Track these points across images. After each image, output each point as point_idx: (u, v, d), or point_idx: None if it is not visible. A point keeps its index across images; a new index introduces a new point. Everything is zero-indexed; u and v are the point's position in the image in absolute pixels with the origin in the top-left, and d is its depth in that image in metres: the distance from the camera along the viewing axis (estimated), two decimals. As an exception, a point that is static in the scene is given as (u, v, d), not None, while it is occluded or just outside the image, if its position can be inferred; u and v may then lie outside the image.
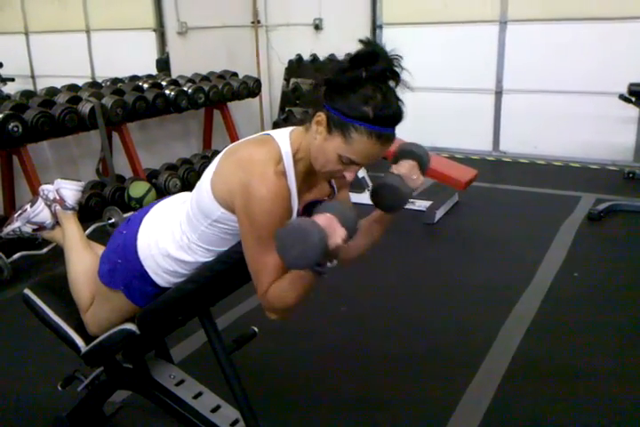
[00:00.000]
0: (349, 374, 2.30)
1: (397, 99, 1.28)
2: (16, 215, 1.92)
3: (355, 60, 1.25)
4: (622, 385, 2.18)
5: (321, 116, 1.29)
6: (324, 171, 1.35)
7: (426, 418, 2.04)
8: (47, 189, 1.90)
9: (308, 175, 1.42)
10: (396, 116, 1.27)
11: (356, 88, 1.24)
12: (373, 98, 1.24)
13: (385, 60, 1.25)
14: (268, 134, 1.39)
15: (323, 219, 1.19)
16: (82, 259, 1.74)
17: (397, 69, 1.27)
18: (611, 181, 4.68)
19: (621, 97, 4.12)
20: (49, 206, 1.88)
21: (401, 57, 1.27)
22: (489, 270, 3.21)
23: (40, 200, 1.89)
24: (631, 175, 4.66)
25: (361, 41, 1.26)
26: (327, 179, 1.46)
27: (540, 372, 2.28)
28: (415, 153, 1.48)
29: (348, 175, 1.34)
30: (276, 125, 5.74)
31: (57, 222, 1.89)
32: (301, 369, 2.34)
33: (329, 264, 1.23)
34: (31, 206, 1.89)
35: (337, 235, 1.18)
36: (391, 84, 1.28)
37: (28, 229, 1.90)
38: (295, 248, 1.16)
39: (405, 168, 1.44)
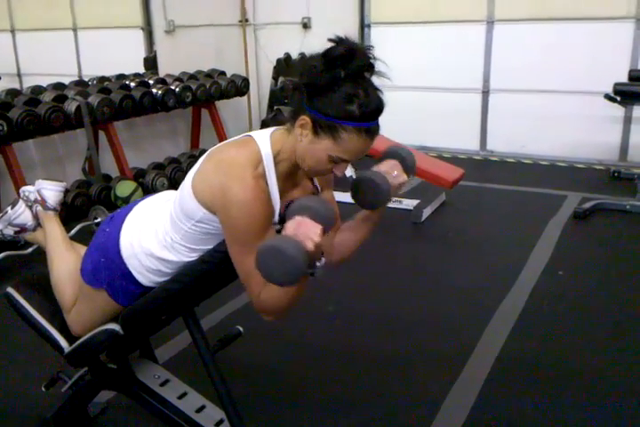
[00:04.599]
0: (335, 372, 2.31)
1: (376, 89, 1.29)
2: None
3: (330, 61, 1.24)
4: (606, 384, 2.20)
5: (305, 119, 1.28)
6: (314, 171, 1.36)
7: (411, 416, 2.05)
8: (28, 190, 1.89)
9: (291, 175, 1.42)
10: (380, 107, 1.28)
11: (336, 88, 1.24)
12: (356, 95, 1.24)
13: (361, 56, 1.25)
14: (250, 135, 1.39)
15: (290, 226, 1.19)
16: (64, 259, 1.73)
17: (372, 62, 1.27)
18: (596, 180, 4.71)
19: (607, 97, 4.14)
20: (30, 208, 1.87)
21: (373, 47, 1.28)
22: (475, 269, 3.23)
23: (21, 202, 1.88)
24: (616, 174, 4.69)
25: (331, 40, 1.26)
26: (315, 176, 1.46)
27: (525, 370, 2.29)
28: (398, 154, 1.49)
29: (339, 172, 1.35)
30: (264, 124, 5.73)
31: (38, 224, 1.88)
32: (287, 368, 2.34)
33: (317, 264, 1.22)
34: (12, 208, 1.87)
35: (312, 234, 1.18)
36: (367, 74, 1.28)
37: (9, 231, 1.89)
38: (277, 269, 1.16)
39: (385, 166, 1.45)
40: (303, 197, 1.33)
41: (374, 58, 1.27)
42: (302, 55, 1.30)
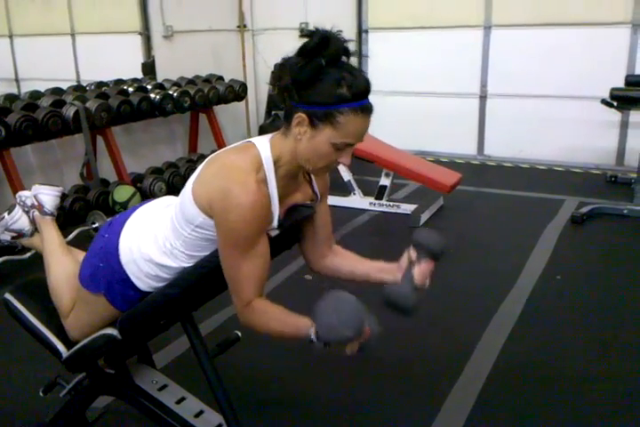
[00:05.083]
0: (334, 378, 2.30)
1: (358, 69, 1.31)
2: None
3: (307, 53, 1.27)
4: (604, 388, 2.20)
5: (300, 116, 1.30)
6: (321, 166, 1.36)
7: (410, 421, 2.05)
8: (24, 195, 1.89)
9: (290, 180, 1.43)
10: (368, 85, 1.31)
11: (322, 76, 1.27)
12: (343, 78, 1.27)
13: (336, 41, 1.28)
14: (250, 141, 1.40)
15: (368, 327, 1.28)
16: (62, 264, 1.73)
17: (346, 45, 1.30)
18: (593, 185, 4.72)
19: (603, 102, 4.16)
20: (27, 213, 1.87)
21: (341, 31, 1.30)
22: (473, 273, 3.23)
23: (17, 207, 1.88)
24: (613, 179, 4.71)
25: (304, 35, 1.29)
26: (322, 174, 1.46)
27: (523, 374, 2.29)
28: (435, 253, 1.53)
29: (346, 160, 1.36)
30: (262, 129, 5.74)
31: (36, 229, 1.88)
32: (285, 373, 2.33)
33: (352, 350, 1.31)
34: (9, 214, 1.87)
35: (354, 345, 1.30)
36: (344, 58, 1.31)
37: (6, 236, 1.89)
38: (332, 323, 1.25)
39: (424, 274, 1.51)
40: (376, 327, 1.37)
41: (347, 41, 1.30)
42: (282, 59, 1.34)
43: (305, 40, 1.28)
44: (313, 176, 1.52)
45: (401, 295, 1.46)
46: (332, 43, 1.27)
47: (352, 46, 1.31)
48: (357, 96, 1.28)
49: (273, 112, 5.62)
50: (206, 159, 1.41)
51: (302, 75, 1.27)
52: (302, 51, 1.28)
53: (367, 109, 1.31)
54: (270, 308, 1.37)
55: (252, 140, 1.41)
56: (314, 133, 1.30)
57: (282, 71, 1.30)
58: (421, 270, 1.50)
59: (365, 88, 1.30)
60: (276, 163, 1.36)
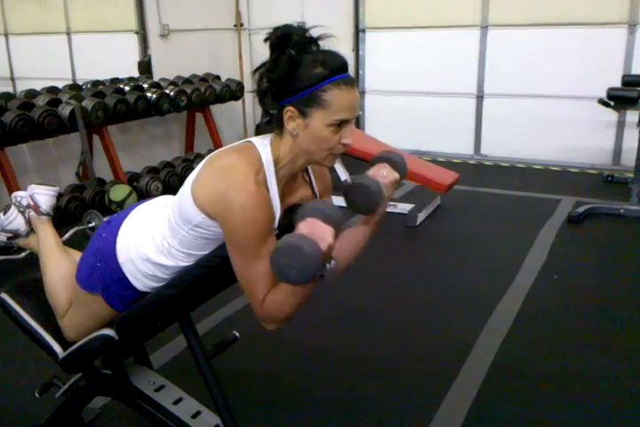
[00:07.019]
0: (331, 378, 2.30)
1: (331, 50, 1.32)
2: None
3: (277, 48, 1.29)
4: (601, 387, 2.21)
5: (289, 110, 1.30)
6: (326, 154, 1.35)
7: (408, 421, 2.04)
8: (20, 195, 1.88)
9: (290, 180, 1.42)
10: (344, 60, 1.32)
11: (296, 65, 1.28)
12: (316, 59, 1.28)
13: (296, 30, 1.29)
14: (250, 141, 1.39)
15: (305, 227, 1.20)
16: (58, 264, 1.72)
17: (309, 35, 1.31)
18: (590, 185, 4.73)
19: (600, 101, 4.16)
20: (22, 213, 1.86)
21: (304, 22, 1.33)
22: (470, 273, 3.23)
23: (13, 207, 1.87)
24: (610, 178, 4.72)
25: (266, 39, 1.30)
26: (331, 162, 1.41)
27: (521, 374, 2.29)
28: (386, 157, 1.49)
29: (348, 139, 1.34)
30: (259, 129, 5.73)
31: (31, 229, 1.87)
32: (283, 374, 2.33)
33: (327, 266, 1.23)
34: (4, 214, 1.86)
35: (325, 235, 1.19)
36: (314, 47, 1.32)
37: (2, 237, 1.88)
38: (293, 267, 1.15)
39: (373, 170, 1.46)
40: (313, 201, 1.34)
41: (309, 29, 1.31)
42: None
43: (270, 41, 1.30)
44: (313, 177, 1.51)
45: (355, 180, 1.38)
46: (293, 33, 1.28)
47: (317, 32, 1.31)
48: (335, 71, 1.28)
49: (270, 111, 5.61)
50: (205, 159, 1.40)
51: (278, 70, 1.28)
52: (271, 49, 1.30)
53: (349, 82, 1.30)
54: (277, 291, 1.32)
55: (252, 140, 1.40)
56: (307, 122, 1.30)
57: (259, 76, 1.32)
58: (372, 168, 1.46)
59: (341, 61, 1.30)
60: (276, 164, 1.36)
